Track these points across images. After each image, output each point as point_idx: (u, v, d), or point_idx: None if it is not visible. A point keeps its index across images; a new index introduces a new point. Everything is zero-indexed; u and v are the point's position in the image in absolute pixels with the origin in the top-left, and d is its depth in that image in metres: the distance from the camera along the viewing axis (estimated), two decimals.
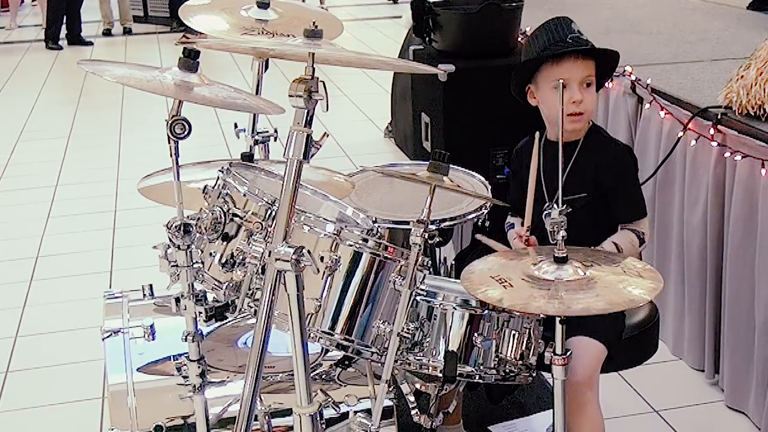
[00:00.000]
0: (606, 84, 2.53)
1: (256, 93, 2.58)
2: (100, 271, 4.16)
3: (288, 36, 2.40)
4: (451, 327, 1.95)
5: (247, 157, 2.55)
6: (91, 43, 10.06)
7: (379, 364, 1.91)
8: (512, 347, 1.98)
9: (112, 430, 2.13)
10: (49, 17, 10.00)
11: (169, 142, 1.87)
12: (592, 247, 2.17)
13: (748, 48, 3.16)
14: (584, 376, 2.15)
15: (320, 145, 2.45)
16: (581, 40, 2.29)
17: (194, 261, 1.94)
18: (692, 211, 3.03)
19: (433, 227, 2.22)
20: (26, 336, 3.62)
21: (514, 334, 1.98)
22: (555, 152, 2.05)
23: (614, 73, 2.94)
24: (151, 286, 2.56)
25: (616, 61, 2.38)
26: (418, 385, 2.16)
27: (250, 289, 1.88)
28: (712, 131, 2.88)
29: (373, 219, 2.19)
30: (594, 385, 2.18)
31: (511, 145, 2.58)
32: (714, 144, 2.88)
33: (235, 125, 2.67)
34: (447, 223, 2.34)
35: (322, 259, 1.85)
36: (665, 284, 2.57)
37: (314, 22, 1.64)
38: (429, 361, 1.95)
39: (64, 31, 10.02)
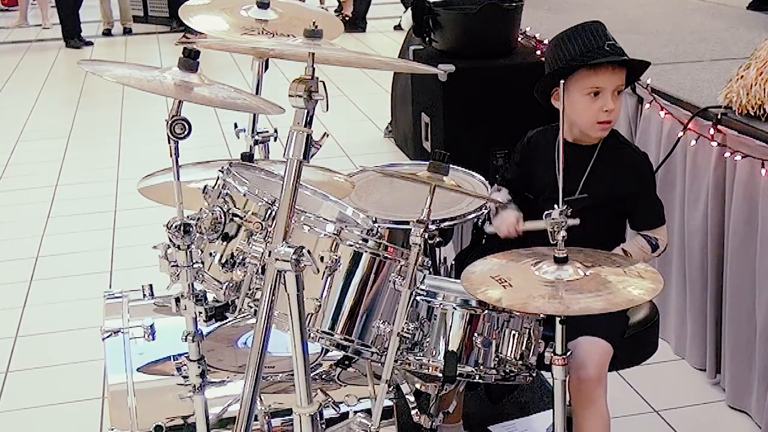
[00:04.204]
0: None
1: (256, 93, 2.58)
2: (100, 271, 4.16)
3: (288, 36, 2.40)
4: (451, 327, 1.96)
5: (247, 157, 2.55)
6: (91, 43, 10.06)
7: (379, 364, 1.91)
8: (512, 347, 1.98)
9: (112, 430, 2.13)
10: (61, 17, 9.98)
11: (169, 142, 1.87)
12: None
13: (748, 48, 3.16)
14: (595, 373, 2.16)
15: (320, 145, 2.45)
16: (618, 49, 2.26)
17: (194, 261, 1.94)
18: (692, 211, 3.03)
19: (433, 227, 2.22)
20: (26, 336, 3.62)
21: (514, 334, 1.98)
22: (572, 153, 2.04)
23: None
24: (151, 286, 2.56)
25: (645, 69, 2.36)
26: (418, 385, 2.16)
27: (250, 289, 1.88)
28: (712, 131, 2.88)
29: (373, 219, 2.19)
30: (603, 382, 2.19)
31: (511, 145, 2.57)
32: (714, 144, 2.88)
33: (235, 125, 2.67)
34: (447, 223, 2.33)
35: (322, 259, 1.85)
36: (666, 284, 2.59)
37: (314, 22, 1.64)
38: (429, 361, 1.95)
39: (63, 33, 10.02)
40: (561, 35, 2.32)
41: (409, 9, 4.51)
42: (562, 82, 2.00)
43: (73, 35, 9.94)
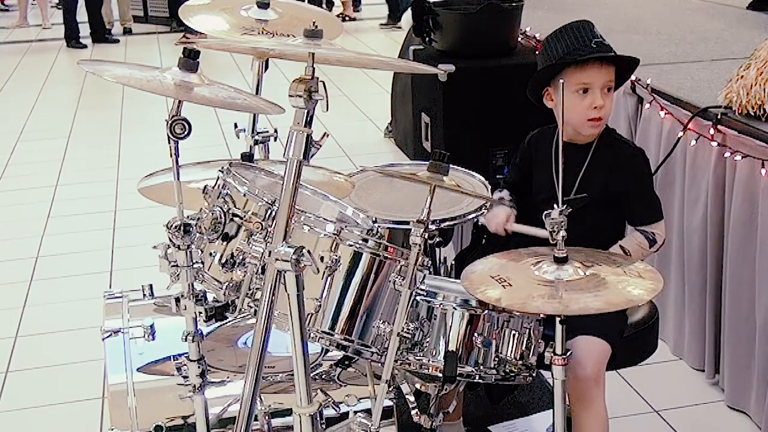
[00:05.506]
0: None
1: (256, 93, 2.58)
2: (100, 271, 4.16)
3: (288, 36, 2.40)
4: (451, 327, 1.96)
5: (247, 157, 2.55)
6: (86, 46, 10.07)
7: (379, 364, 1.91)
8: (512, 347, 1.98)
9: (112, 430, 2.13)
10: (64, 18, 9.99)
11: (169, 142, 1.87)
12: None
13: (748, 48, 3.16)
14: (593, 372, 2.16)
15: (320, 145, 2.45)
16: (605, 46, 2.28)
17: (194, 261, 1.94)
18: (692, 211, 3.03)
19: (433, 227, 2.22)
20: (26, 336, 3.62)
21: (514, 334, 1.98)
22: (569, 153, 2.05)
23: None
24: (151, 286, 2.56)
25: (635, 66, 2.37)
26: (418, 385, 2.16)
27: (250, 289, 1.88)
28: (712, 131, 2.88)
29: (373, 219, 2.19)
30: (601, 381, 2.20)
31: (511, 145, 2.58)
32: (714, 144, 2.88)
33: (235, 125, 2.67)
34: (447, 223, 2.33)
35: (322, 259, 1.85)
36: (665, 284, 2.58)
37: (314, 22, 1.64)
38: (429, 361, 1.95)
39: (62, 33, 10.01)
40: (549, 36, 2.35)
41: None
42: (561, 81, 2.03)
43: (75, 36, 9.95)
